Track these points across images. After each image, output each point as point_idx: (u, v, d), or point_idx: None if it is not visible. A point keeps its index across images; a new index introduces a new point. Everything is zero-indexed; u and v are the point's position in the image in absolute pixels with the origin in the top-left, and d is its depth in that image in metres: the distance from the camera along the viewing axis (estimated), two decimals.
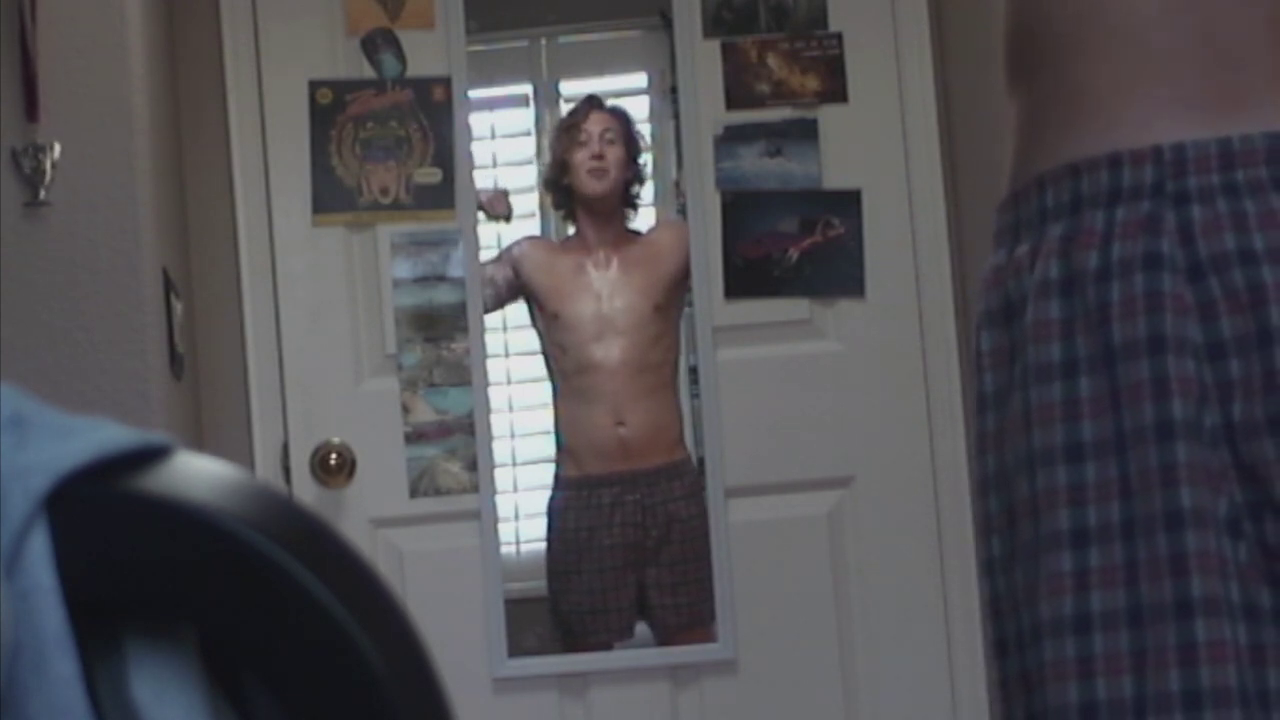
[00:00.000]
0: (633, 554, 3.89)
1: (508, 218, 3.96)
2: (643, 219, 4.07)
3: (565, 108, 4.18)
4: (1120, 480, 1.25)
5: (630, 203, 4.00)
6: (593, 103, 4.00)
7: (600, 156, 3.93)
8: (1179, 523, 1.23)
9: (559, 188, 4.00)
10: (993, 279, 1.38)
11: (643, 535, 3.88)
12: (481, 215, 3.83)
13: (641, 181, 4.01)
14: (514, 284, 3.92)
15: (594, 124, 3.96)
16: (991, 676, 3.84)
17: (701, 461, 3.80)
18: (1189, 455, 1.24)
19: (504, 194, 3.98)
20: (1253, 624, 1.23)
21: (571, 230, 4.03)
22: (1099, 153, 1.32)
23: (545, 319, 3.92)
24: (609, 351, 3.86)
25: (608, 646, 3.91)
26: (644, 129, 4.11)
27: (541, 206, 4.11)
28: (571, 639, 3.92)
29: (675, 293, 3.83)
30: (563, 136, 3.98)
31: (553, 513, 3.95)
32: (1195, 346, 1.26)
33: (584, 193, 3.94)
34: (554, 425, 4.04)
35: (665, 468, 3.89)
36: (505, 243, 4.04)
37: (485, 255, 3.82)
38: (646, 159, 4.04)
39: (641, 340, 3.87)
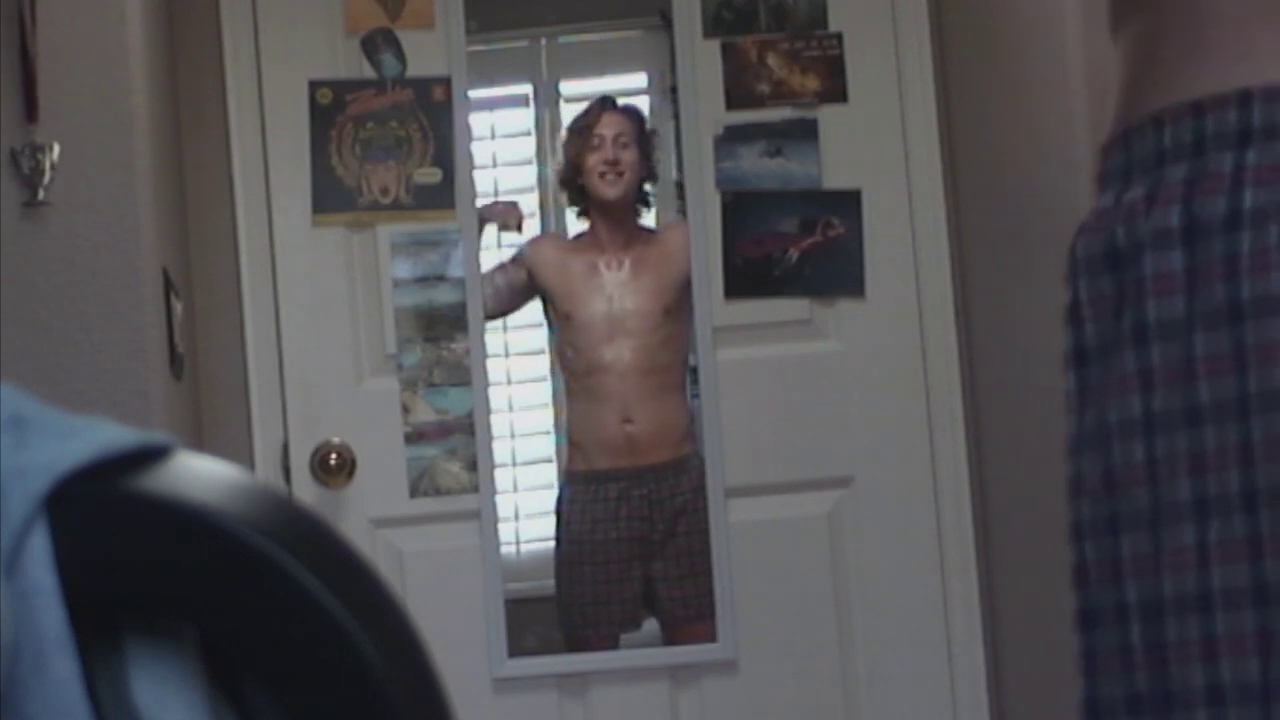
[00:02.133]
0: (638, 547, 3.89)
1: (519, 227, 3.96)
2: (643, 218, 4.07)
3: (565, 108, 4.18)
4: (1239, 447, 1.16)
5: (644, 200, 4.01)
6: (605, 104, 3.99)
7: (615, 162, 3.93)
8: None
9: (573, 187, 4.00)
10: (1095, 223, 1.27)
11: (649, 529, 3.89)
12: (493, 228, 3.84)
13: (655, 179, 4.02)
14: (527, 287, 3.92)
15: (607, 126, 3.96)
16: (991, 676, 3.85)
17: (702, 460, 3.80)
18: None
19: (514, 205, 3.97)
20: None
21: (584, 225, 4.02)
22: (1226, 89, 1.20)
23: (558, 318, 3.92)
24: (619, 353, 3.86)
25: (614, 639, 3.92)
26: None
27: (542, 206, 4.11)
28: (577, 631, 3.92)
29: (685, 295, 3.83)
30: (575, 139, 3.98)
31: (560, 507, 3.95)
32: None
33: (598, 197, 3.95)
34: (561, 422, 4.04)
35: (672, 463, 3.90)
36: (505, 241, 4.03)
37: (485, 255, 3.81)
38: (659, 156, 4.04)
39: (651, 342, 3.87)
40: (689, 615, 3.85)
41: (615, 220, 3.95)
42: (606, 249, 3.94)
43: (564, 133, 4.03)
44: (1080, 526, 1.25)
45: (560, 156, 4.03)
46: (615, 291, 3.91)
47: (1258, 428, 1.15)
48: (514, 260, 3.92)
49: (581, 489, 3.92)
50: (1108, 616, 1.23)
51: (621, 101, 4.06)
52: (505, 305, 3.90)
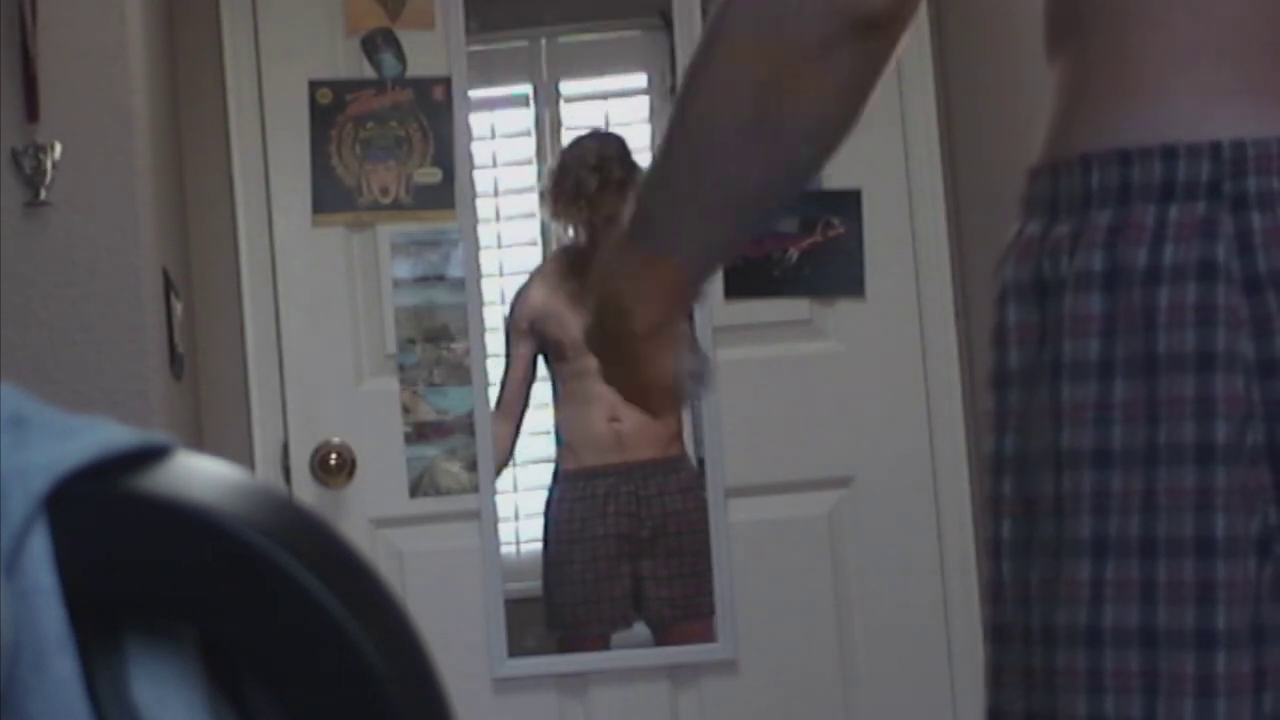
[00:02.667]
0: (626, 545, 3.89)
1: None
2: None
3: (565, 108, 4.17)
4: (1144, 494, 1.19)
5: None
6: (599, 153, 3.94)
7: (609, 219, 3.88)
8: (1210, 550, 1.18)
9: (560, 220, 3.98)
10: (1024, 250, 1.29)
11: (637, 526, 3.89)
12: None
13: None
14: (534, 343, 3.93)
15: (601, 178, 3.91)
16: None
17: (701, 462, 3.80)
18: (1228, 480, 1.18)
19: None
20: (1259, 647, 1.19)
21: (569, 232, 4.01)
22: (1152, 141, 1.22)
23: (552, 344, 3.92)
24: None
25: (604, 638, 3.91)
26: (644, 132, 4.10)
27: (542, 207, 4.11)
28: (566, 631, 3.91)
29: None
30: (571, 191, 3.92)
31: (549, 507, 3.95)
32: (1246, 362, 1.19)
33: (593, 242, 3.91)
34: (554, 426, 4.04)
35: (661, 461, 3.90)
36: (505, 241, 4.04)
37: (485, 255, 3.81)
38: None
39: None
40: (676, 616, 3.85)
41: (602, 241, 3.94)
42: (592, 262, 3.93)
43: (552, 169, 3.96)
44: (999, 545, 1.29)
45: (549, 185, 3.97)
46: None
47: (1162, 478, 1.19)
48: (517, 334, 3.90)
49: (570, 487, 3.93)
50: (1016, 635, 1.28)
51: (613, 125, 4.04)
52: (531, 371, 3.92)
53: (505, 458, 3.90)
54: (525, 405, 3.94)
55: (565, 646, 3.90)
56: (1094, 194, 1.24)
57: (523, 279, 4.01)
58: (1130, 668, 1.19)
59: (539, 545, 3.98)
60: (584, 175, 3.90)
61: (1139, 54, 1.24)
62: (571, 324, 3.91)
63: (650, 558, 3.89)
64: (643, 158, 3.99)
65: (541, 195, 3.99)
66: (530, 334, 3.91)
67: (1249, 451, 1.19)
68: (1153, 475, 1.19)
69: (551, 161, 4.00)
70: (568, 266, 3.97)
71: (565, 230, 4.01)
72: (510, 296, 3.98)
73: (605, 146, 3.96)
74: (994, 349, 1.30)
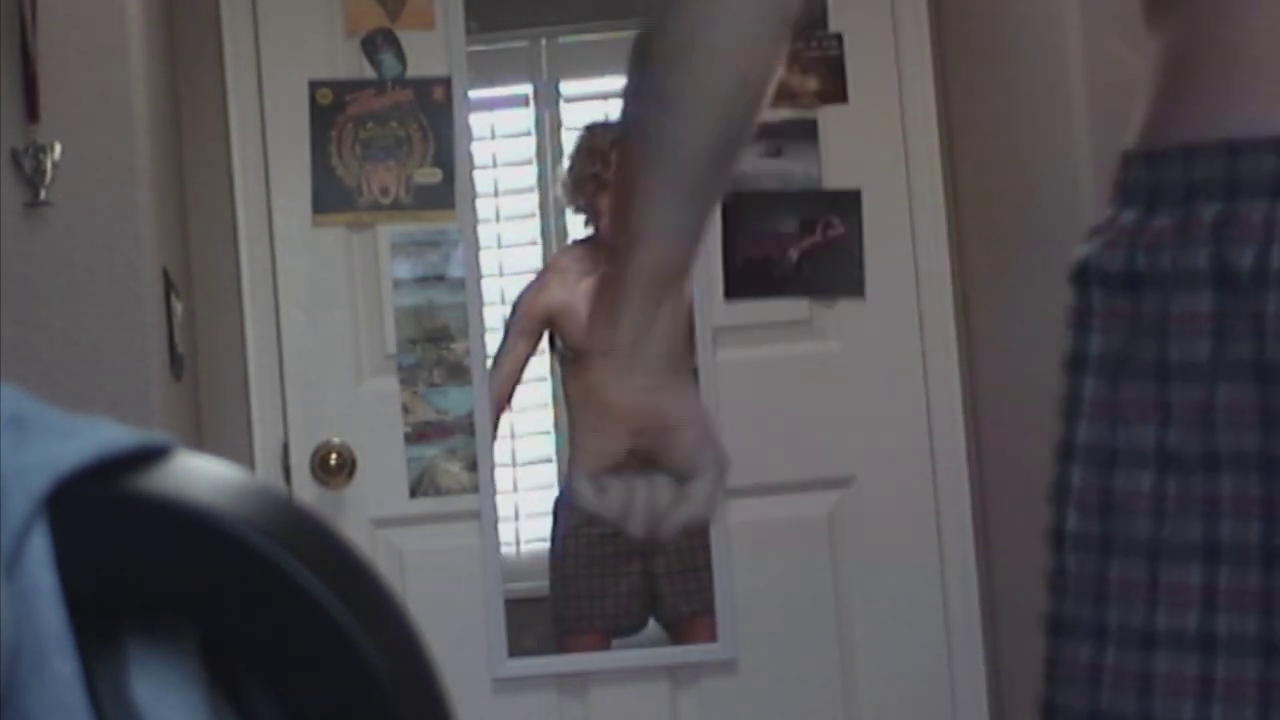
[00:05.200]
0: (639, 540, 3.87)
1: None
2: None
3: (565, 108, 4.17)
4: (1262, 502, 1.15)
5: None
6: (615, 143, 3.95)
7: None
8: None
9: (578, 210, 3.98)
10: (1115, 237, 1.23)
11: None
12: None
13: None
14: (538, 339, 3.91)
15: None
16: (991, 675, 3.83)
17: None
18: None
19: None
20: None
21: (589, 230, 4.00)
22: (1263, 133, 1.15)
23: (568, 346, 3.91)
24: None
25: (608, 637, 3.90)
26: None
27: (541, 207, 4.11)
28: (571, 626, 3.90)
29: (690, 320, 3.85)
30: (588, 181, 3.92)
31: (559, 505, 3.95)
32: None
33: (603, 233, 3.93)
34: (556, 425, 4.03)
35: None
36: (505, 242, 4.03)
37: (485, 256, 3.81)
38: None
39: None
40: (693, 610, 3.84)
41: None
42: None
43: (570, 156, 3.97)
44: (1063, 534, 1.24)
45: (571, 187, 3.98)
46: None
47: (1277, 488, 1.14)
48: (519, 330, 3.89)
49: None
50: (1082, 631, 1.23)
51: (613, 110, 4.04)
52: (523, 356, 3.90)
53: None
54: (510, 405, 3.93)
55: (568, 644, 3.90)
56: (1198, 186, 1.18)
57: (523, 279, 4.01)
58: (1245, 676, 1.15)
59: (539, 545, 3.98)
60: (595, 162, 3.91)
61: (1247, 36, 1.17)
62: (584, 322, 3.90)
63: (663, 554, 3.89)
64: None
65: (560, 184, 4.00)
66: (535, 332, 3.90)
67: None
68: (1269, 484, 1.15)
69: (569, 148, 4.01)
70: (580, 261, 3.97)
71: (580, 218, 4.01)
72: (511, 296, 3.97)
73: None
74: (1073, 330, 1.24)
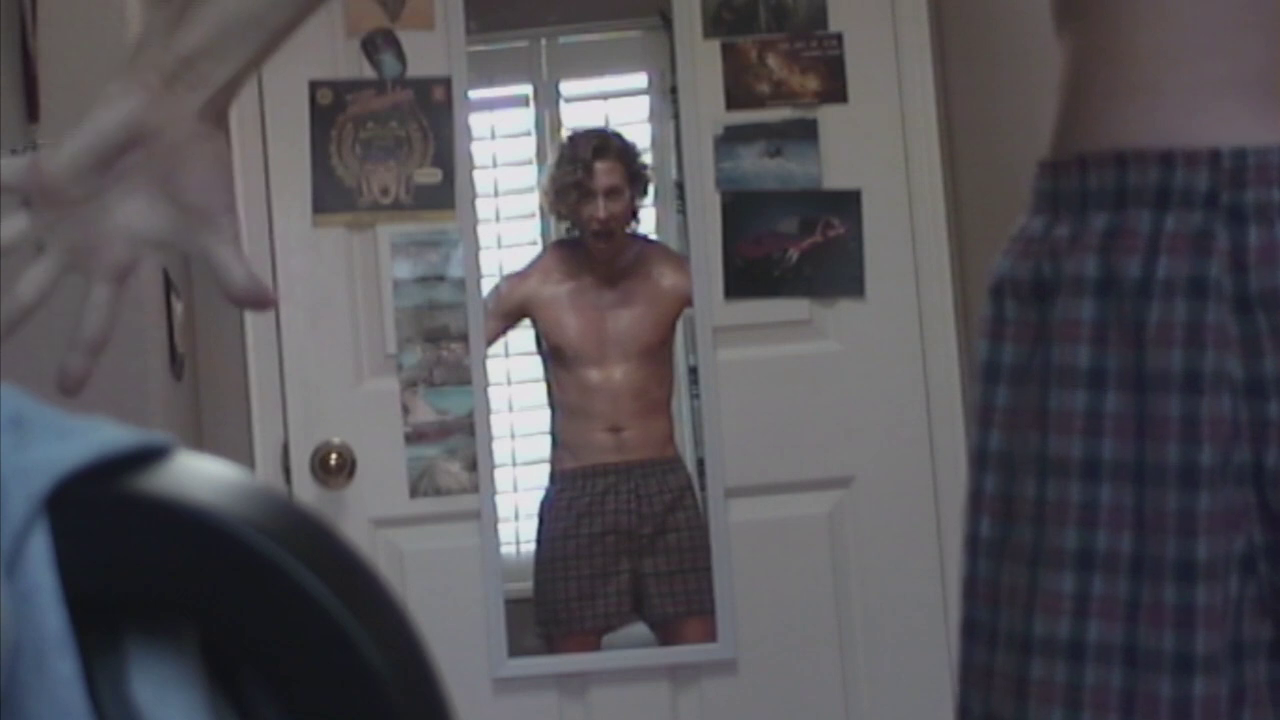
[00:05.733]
0: (625, 541, 3.88)
1: None
2: (643, 219, 4.05)
3: (565, 108, 4.17)
4: (1134, 512, 1.17)
5: (635, 217, 3.98)
6: (598, 151, 3.94)
7: (605, 220, 3.90)
8: (1191, 575, 1.15)
9: (561, 217, 3.99)
10: (1024, 247, 1.25)
11: (638, 522, 3.88)
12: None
13: (645, 194, 3.99)
14: (507, 325, 3.90)
15: (600, 177, 3.90)
16: None
17: (701, 462, 3.80)
18: (1211, 504, 1.15)
19: None
20: (1238, 665, 1.17)
21: (570, 233, 4.01)
22: (1149, 145, 1.17)
23: (549, 348, 3.92)
24: (610, 376, 3.87)
25: (596, 637, 3.90)
26: (644, 132, 4.09)
27: (541, 207, 4.11)
28: (557, 629, 3.88)
29: (674, 323, 3.85)
30: (570, 193, 3.92)
31: (545, 505, 3.94)
32: (1234, 382, 1.15)
33: (589, 243, 3.93)
34: (551, 429, 4.03)
35: (659, 461, 3.90)
36: (505, 242, 4.03)
37: (485, 256, 3.81)
38: (650, 178, 4.00)
39: (641, 367, 3.88)
40: (679, 613, 3.84)
41: (606, 253, 3.93)
42: (598, 274, 3.93)
43: (552, 173, 3.97)
44: (977, 541, 1.26)
45: (552, 195, 3.97)
46: (606, 318, 3.90)
47: (1149, 499, 1.16)
48: (492, 307, 3.87)
49: (568, 484, 3.92)
50: (982, 635, 1.26)
51: (613, 129, 4.03)
52: (493, 334, 3.88)
53: None
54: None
55: (554, 646, 3.88)
56: (1090, 195, 1.21)
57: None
58: (1111, 685, 1.17)
59: (525, 547, 3.97)
60: (577, 170, 3.91)
61: (1137, 48, 1.20)
62: (571, 327, 3.91)
63: (652, 555, 3.88)
64: (645, 155, 4.00)
65: (542, 192, 4.00)
66: (506, 319, 3.89)
67: (1235, 471, 1.16)
68: (1141, 493, 1.17)
69: (550, 156, 4.00)
70: (565, 262, 3.97)
71: (562, 227, 4.01)
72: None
73: (602, 141, 3.96)
74: (988, 340, 1.27)
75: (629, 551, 3.89)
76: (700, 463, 3.82)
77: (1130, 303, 1.17)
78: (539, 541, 3.93)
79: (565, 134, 4.04)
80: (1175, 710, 1.16)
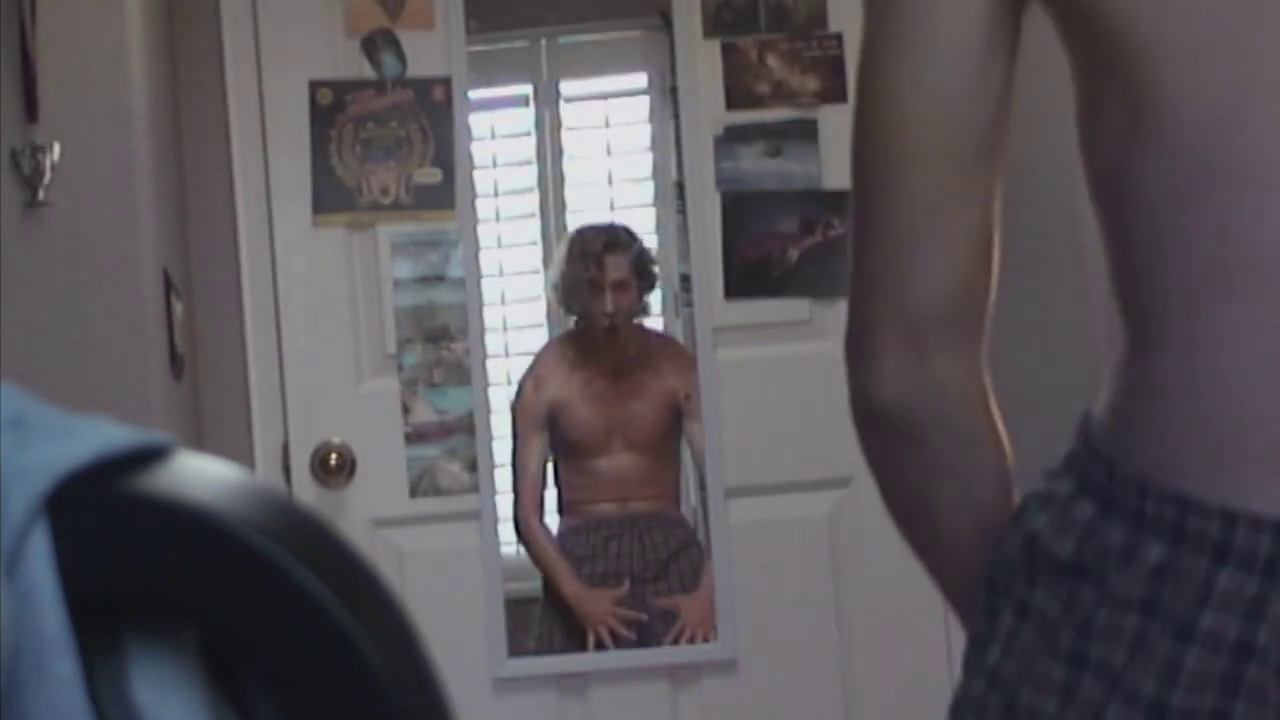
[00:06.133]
0: (630, 579, 3.87)
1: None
2: (642, 219, 4.05)
3: (565, 108, 4.16)
4: None
5: (644, 310, 3.96)
6: (608, 246, 3.91)
7: (613, 314, 3.88)
8: None
9: (570, 312, 3.96)
10: (1065, 522, 1.22)
11: (642, 567, 3.87)
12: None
13: (652, 289, 3.96)
14: (547, 433, 3.90)
15: (610, 271, 3.88)
16: None
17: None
18: None
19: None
20: None
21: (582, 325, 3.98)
22: (1211, 499, 1.14)
23: (565, 443, 3.89)
24: (616, 464, 3.86)
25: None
26: (644, 132, 4.09)
27: (541, 207, 4.11)
28: (562, 632, 3.89)
29: (679, 422, 3.85)
30: (582, 287, 3.88)
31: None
32: None
33: (596, 335, 3.90)
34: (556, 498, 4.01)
35: (663, 515, 3.89)
36: (504, 242, 4.03)
37: (485, 256, 3.81)
38: (657, 275, 3.97)
39: (647, 456, 3.87)
40: (675, 599, 3.84)
41: (613, 346, 3.92)
42: (604, 369, 3.91)
43: (562, 268, 3.93)
44: None
45: (562, 291, 3.94)
46: (612, 410, 3.89)
47: None
48: (531, 428, 3.87)
49: (571, 536, 3.90)
50: None
51: (614, 109, 4.03)
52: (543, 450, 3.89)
53: (553, 554, 3.88)
54: (544, 506, 3.90)
55: (568, 640, 3.88)
56: (1149, 520, 1.17)
57: (523, 279, 4.00)
58: None
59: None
60: (588, 267, 3.88)
61: (1204, 371, 1.16)
62: (585, 419, 3.89)
63: (655, 593, 3.87)
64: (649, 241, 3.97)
65: (551, 288, 3.97)
66: (545, 429, 3.87)
67: None
68: None
69: (559, 251, 3.97)
70: (575, 354, 3.95)
71: (570, 319, 3.98)
72: (511, 296, 3.97)
73: (611, 237, 3.94)
74: (1024, 580, 1.25)
75: (632, 593, 3.87)
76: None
77: (1169, 641, 1.16)
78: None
79: (573, 231, 4.00)
80: None
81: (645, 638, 3.84)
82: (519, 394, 3.88)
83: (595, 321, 3.88)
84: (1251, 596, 1.14)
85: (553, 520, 3.93)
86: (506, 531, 3.86)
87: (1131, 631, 1.18)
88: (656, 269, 3.95)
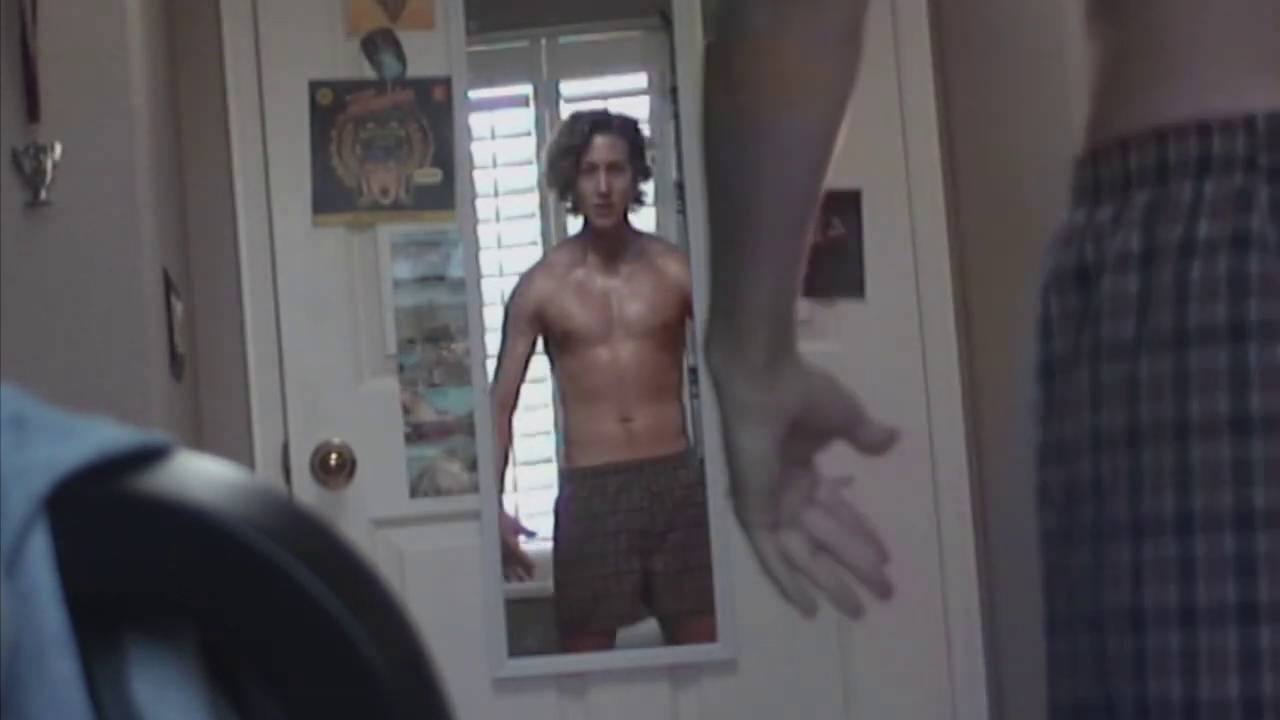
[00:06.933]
0: (638, 540, 3.90)
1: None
2: (642, 219, 4.06)
3: (565, 108, 4.17)
4: (1175, 470, 1.17)
5: (638, 200, 4.00)
6: (597, 126, 3.96)
7: (607, 194, 3.91)
8: (1249, 523, 1.15)
9: (562, 195, 4.00)
10: (1066, 238, 1.29)
11: (649, 521, 3.89)
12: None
13: (648, 178, 4.01)
14: (535, 335, 3.93)
15: (599, 152, 3.92)
16: (991, 676, 3.83)
17: (702, 462, 3.80)
18: (1266, 451, 1.15)
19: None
20: None
21: (579, 222, 4.01)
22: (1187, 118, 1.22)
23: (557, 335, 3.92)
24: (617, 356, 3.88)
25: (610, 634, 3.91)
26: (644, 127, 4.10)
27: (541, 207, 4.11)
28: (575, 626, 3.91)
29: (681, 314, 3.86)
30: (564, 160, 3.95)
31: (559, 505, 3.96)
32: None
33: (591, 221, 3.95)
34: (556, 425, 4.04)
35: (669, 457, 3.91)
36: (505, 242, 4.04)
37: (485, 256, 3.81)
38: (651, 156, 4.03)
39: (649, 346, 3.89)
40: (687, 610, 3.85)
41: (609, 233, 3.96)
42: (602, 259, 3.95)
43: (551, 145, 3.99)
44: (1048, 536, 1.29)
45: (547, 166, 4.00)
46: (613, 299, 3.91)
47: (1195, 453, 1.17)
48: (516, 331, 3.90)
49: (580, 484, 3.93)
50: (1060, 625, 1.27)
51: (614, 110, 4.05)
52: (524, 367, 3.91)
53: (505, 455, 3.90)
54: (516, 405, 3.94)
55: (571, 644, 3.90)
56: (1133, 174, 1.24)
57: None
58: (1170, 650, 1.17)
59: (539, 545, 3.98)
60: (575, 138, 3.93)
61: (1173, 38, 1.24)
62: (577, 313, 3.91)
63: (661, 553, 3.90)
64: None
65: (545, 166, 4.02)
66: (531, 329, 3.91)
67: None
68: (1184, 450, 1.17)
69: (551, 136, 4.03)
70: (572, 256, 3.99)
71: (565, 209, 4.02)
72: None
73: (603, 118, 3.98)
74: (1039, 340, 1.29)
75: (640, 550, 3.91)
76: (701, 461, 3.82)
77: (1173, 267, 1.19)
78: (556, 541, 3.94)
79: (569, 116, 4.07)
80: (1244, 661, 1.15)
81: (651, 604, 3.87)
82: (509, 301, 3.92)
83: (587, 203, 3.91)
84: (1237, 190, 1.19)
85: (542, 472, 3.94)
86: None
87: (1136, 289, 1.21)
88: (652, 156, 3.98)
